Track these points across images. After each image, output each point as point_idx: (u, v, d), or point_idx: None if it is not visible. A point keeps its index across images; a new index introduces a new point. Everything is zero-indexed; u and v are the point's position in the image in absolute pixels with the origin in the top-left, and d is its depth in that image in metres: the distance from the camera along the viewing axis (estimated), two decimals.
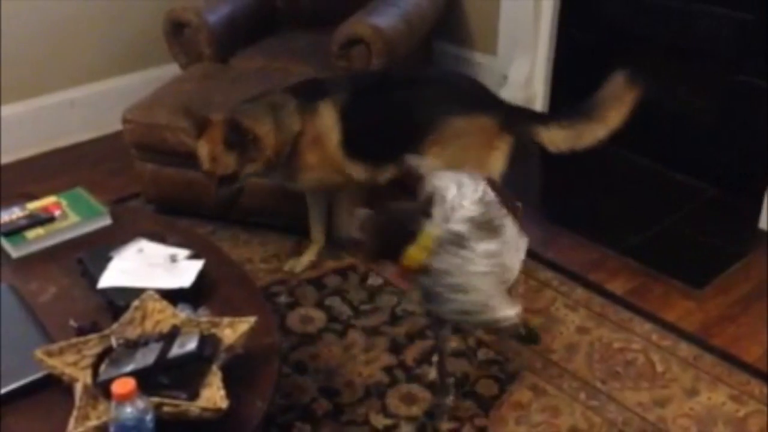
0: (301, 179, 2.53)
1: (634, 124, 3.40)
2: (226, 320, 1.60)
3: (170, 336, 1.53)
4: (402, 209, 1.87)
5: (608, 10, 3.42)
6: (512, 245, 1.92)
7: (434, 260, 1.79)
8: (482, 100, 2.50)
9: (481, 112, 2.43)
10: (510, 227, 1.91)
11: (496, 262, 1.84)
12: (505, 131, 2.41)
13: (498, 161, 2.41)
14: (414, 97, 2.47)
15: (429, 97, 2.46)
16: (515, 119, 2.45)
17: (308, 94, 2.49)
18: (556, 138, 2.37)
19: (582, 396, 2.22)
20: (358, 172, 2.52)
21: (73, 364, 1.51)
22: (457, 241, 1.79)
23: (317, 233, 2.78)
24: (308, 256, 2.77)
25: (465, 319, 2.00)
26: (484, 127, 2.41)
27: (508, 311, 1.90)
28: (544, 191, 3.48)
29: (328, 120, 2.45)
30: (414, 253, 1.78)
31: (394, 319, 2.52)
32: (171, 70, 3.36)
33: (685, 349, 2.38)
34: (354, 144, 2.47)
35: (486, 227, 1.83)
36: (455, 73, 2.87)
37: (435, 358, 2.25)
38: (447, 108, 2.43)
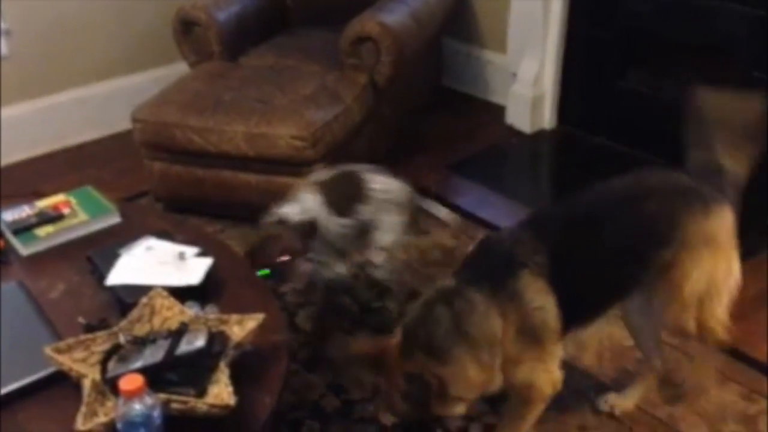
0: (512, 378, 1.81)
1: (647, 122, 3.41)
2: (234, 317, 1.60)
3: (178, 333, 1.54)
4: None
5: (618, 8, 3.40)
6: None
7: None
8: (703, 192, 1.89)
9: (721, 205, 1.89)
10: None
11: None
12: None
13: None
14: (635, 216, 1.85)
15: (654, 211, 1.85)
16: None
17: (496, 271, 1.76)
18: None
19: (591, 394, 2.21)
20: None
21: (81, 361, 1.52)
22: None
23: None
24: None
25: None
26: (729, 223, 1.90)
27: None
28: (559, 193, 3.47)
29: (536, 299, 1.75)
30: None
31: (403, 317, 2.51)
32: (180, 68, 3.37)
33: (695, 347, 2.36)
34: (570, 314, 1.81)
35: None
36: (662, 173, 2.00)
37: None
38: (677, 218, 1.84)
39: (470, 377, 1.70)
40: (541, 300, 1.74)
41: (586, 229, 1.83)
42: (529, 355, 1.77)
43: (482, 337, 1.69)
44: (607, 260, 1.83)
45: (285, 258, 2.14)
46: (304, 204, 2.26)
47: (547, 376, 1.82)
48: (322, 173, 2.37)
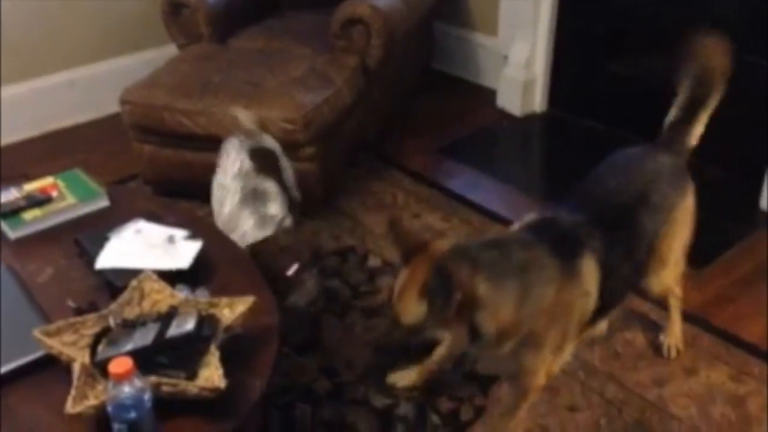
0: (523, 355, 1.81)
1: (635, 104, 3.41)
2: (224, 300, 1.59)
3: (168, 316, 1.53)
4: None
5: None
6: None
7: None
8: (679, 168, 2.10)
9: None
10: None
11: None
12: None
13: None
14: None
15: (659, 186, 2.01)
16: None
17: (565, 246, 1.78)
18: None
19: (581, 375, 2.22)
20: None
21: (71, 344, 1.51)
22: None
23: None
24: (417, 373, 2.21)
25: None
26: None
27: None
28: (549, 175, 3.47)
29: (588, 284, 1.80)
30: None
31: None
32: (169, 51, 3.35)
33: (684, 328, 2.37)
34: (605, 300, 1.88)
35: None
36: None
37: None
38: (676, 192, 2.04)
39: (498, 313, 1.66)
40: (590, 285, 1.78)
41: (617, 218, 1.90)
42: (551, 341, 1.79)
43: (534, 296, 1.70)
44: (633, 249, 1.92)
45: (294, 269, 2.09)
46: (279, 199, 2.30)
47: (546, 368, 1.85)
48: (246, 160, 2.38)
